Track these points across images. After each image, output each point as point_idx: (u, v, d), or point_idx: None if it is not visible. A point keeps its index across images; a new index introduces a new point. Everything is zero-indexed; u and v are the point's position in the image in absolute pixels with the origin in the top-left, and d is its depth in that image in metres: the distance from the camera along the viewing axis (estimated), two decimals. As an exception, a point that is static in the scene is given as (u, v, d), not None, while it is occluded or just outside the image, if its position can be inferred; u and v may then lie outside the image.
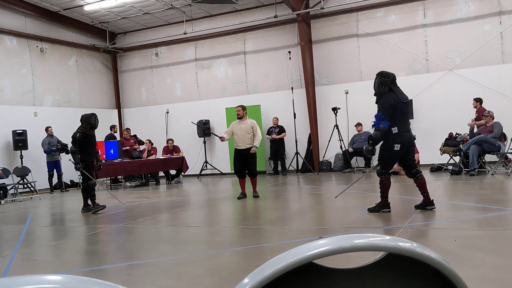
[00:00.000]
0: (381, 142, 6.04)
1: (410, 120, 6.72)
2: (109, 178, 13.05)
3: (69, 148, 8.12)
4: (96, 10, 14.10)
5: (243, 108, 8.72)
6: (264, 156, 13.74)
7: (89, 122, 8.14)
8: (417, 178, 6.02)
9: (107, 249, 5.54)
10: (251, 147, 8.52)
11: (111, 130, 14.38)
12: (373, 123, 6.03)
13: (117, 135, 14.76)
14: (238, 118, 8.66)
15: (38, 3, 13.51)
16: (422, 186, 6.04)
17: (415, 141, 6.35)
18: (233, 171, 13.70)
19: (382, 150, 6.06)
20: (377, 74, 6.12)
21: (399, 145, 5.85)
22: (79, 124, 8.26)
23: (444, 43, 12.45)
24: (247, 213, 7.55)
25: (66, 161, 12.98)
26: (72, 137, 8.09)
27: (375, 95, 6.09)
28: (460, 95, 12.10)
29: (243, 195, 8.80)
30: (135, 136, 14.68)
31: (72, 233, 6.66)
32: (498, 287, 3.17)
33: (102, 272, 4.29)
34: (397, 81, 6.11)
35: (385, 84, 5.95)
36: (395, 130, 5.82)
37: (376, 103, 6.11)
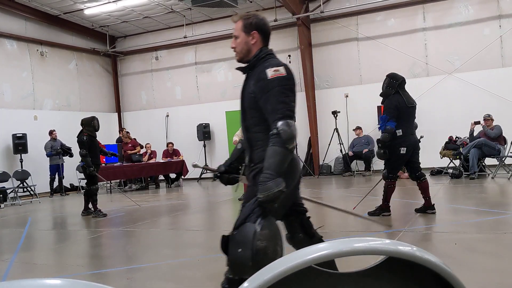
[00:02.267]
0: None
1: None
2: (111, 181, 12.99)
3: (79, 152, 8.09)
4: (96, 14, 14.12)
5: None
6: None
7: (92, 125, 8.17)
8: (421, 181, 6.03)
9: (107, 253, 5.54)
10: None
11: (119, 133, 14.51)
12: (379, 126, 6.03)
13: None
14: None
15: (39, 7, 13.53)
16: (424, 189, 6.04)
17: (420, 143, 6.37)
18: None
19: (389, 154, 6.06)
20: (387, 76, 6.14)
21: (405, 148, 5.87)
22: (80, 128, 8.26)
23: (443, 46, 12.46)
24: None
25: (68, 164, 12.97)
26: (78, 141, 8.08)
27: (381, 95, 6.11)
28: (460, 98, 12.10)
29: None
30: (134, 139, 14.68)
31: (72, 237, 6.65)
32: (499, 291, 3.16)
33: (102, 275, 4.29)
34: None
35: (392, 86, 5.97)
36: (399, 132, 5.84)
37: (382, 103, 6.14)
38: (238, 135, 8.97)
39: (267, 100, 2.41)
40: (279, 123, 2.33)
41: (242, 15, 2.66)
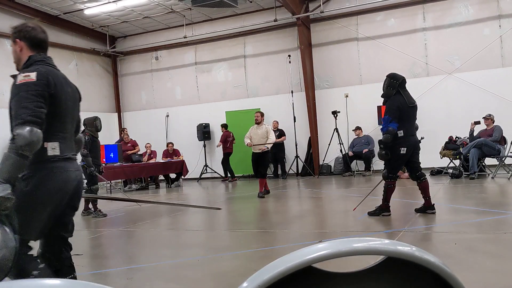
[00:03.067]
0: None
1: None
2: (111, 181, 12.96)
3: (80, 152, 8.10)
4: (96, 14, 14.13)
5: (262, 114, 9.31)
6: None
7: (94, 125, 8.19)
8: (421, 181, 6.03)
9: (107, 253, 5.53)
10: (264, 150, 9.04)
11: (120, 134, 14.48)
12: (381, 127, 6.02)
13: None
14: (256, 123, 9.00)
15: (39, 7, 13.54)
16: (424, 189, 6.04)
17: (420, 144, 6.38)
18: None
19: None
20: (387, 76, 6.13)
21: (405, 149, 5.87)
22: (81, 127, 8.27)
23: (443, 46, 12.46)
24: (247, 217, 7.54)
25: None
26: None
27: (382, 96, 6.10)
28: (460, 98, 12.10)
29: (266, 192, 9.37)
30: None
31: (72, 237, 6.64)
32: (499, 291, 3.16)
33: (102, 276, 4.29)
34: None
35: (393, 87, 5.96)
36: (400, 133, 5.84)
37: (383, 104, 6.14)
38: (248, 137, 9.12)
39: (13, 106, 2.41)
40: (15, 129, 2.29)
41: (14, 26, 2.67)
